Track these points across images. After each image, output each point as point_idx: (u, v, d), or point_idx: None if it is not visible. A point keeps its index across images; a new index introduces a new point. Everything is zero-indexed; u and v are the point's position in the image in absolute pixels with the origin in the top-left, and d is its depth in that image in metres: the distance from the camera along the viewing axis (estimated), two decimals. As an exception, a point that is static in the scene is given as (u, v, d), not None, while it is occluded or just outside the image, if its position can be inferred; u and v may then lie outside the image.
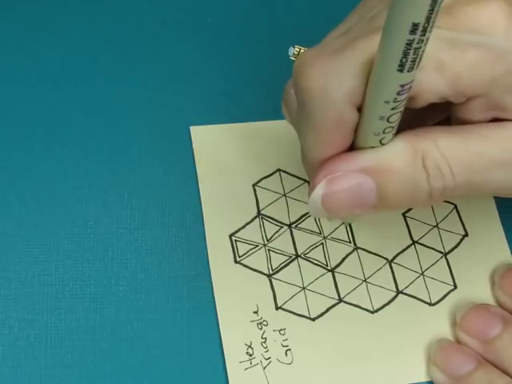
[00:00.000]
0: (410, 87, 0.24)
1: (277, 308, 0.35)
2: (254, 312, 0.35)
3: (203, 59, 0.41)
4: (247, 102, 0.39)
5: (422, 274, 0.37)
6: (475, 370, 0.33)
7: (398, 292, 0.36)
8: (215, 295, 0.35)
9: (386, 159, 0.27)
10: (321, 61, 0.26)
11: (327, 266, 0.36)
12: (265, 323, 0.35)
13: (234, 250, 0.36)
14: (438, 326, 0.35)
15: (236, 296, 0.35)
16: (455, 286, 0.37)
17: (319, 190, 0.27)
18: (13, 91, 0.39)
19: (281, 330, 0.35)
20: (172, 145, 0.39)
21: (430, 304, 0.36)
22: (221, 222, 0.37)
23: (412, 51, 0.22)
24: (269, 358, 0.34)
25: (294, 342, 0.34)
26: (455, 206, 0.38)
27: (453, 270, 0.37)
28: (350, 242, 0.37)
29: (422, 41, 0.22)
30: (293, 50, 0.37)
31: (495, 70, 0.26)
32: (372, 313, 0.36)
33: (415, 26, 0.21)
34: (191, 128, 0.39)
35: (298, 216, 0.37)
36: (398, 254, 0.37)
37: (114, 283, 0.35)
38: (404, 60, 0.23)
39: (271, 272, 0.36)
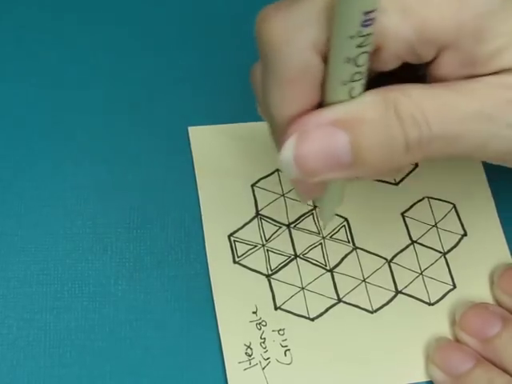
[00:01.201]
0: (374, 19, 0.23)
1: (276, 308, 0.35)
2: (253, 312, 0.35)
3: (203, 59, 0.41)
4: (246, 102, 0.39)
5: (421, 273, 0.37)
6: (474, 368, 0.33)
7: (397, 292, 0.36)
8: (214, 296, 0.35)
9: (357, 110, 0.25)
10: (282, 9, 0.25)
11: (326, 266, 0.36)
12: (264, 323, 0.35)
13: (233, 250, 0.36)
14: (437, 326, 0.35)
15: (235, 296, 0.35)
16: (454, 286, 0.37)
17: (289, 145, 0.26)
18: (13, 91, 0.39)
19: (280, 330, 0.35)
20: (171, 145, 0.39)
21: (429, 304, 0.36)
22: (219, 223, 0.37)
23: None
24: (268, 358, 0.34)
25: (293, 343, 0.34)
26: (454, 206, 0.38)
27: (452, 270, 0.37)
28: (348, 242, 0.37)
29: None
30: None
31: (462, 14, 0.25)
32: (371, 313, 0.36)
33: None
34: (189, 129, 0.39)
35: (297, 216, 0.37)
36: (397, 254, 0.37)
37: (112, 283, 0.35)
38: None
39: (270, 272, 0.36)
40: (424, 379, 0.34)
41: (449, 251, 0.37)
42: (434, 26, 0.25)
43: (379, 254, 0.37)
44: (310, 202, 0.37)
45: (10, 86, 0.39)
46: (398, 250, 0.37)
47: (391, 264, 0.37)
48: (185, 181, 0.38)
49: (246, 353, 0.34)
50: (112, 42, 0.41)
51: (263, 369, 0.34)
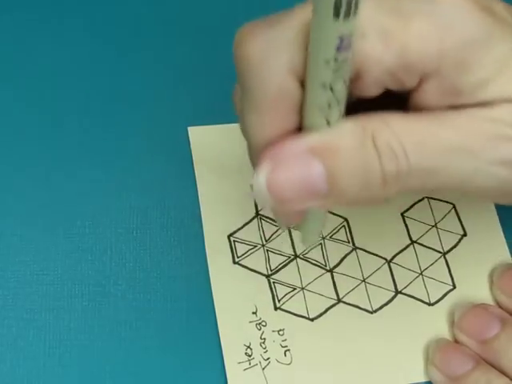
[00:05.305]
0: (350, 44, 0.23)
1: (276, 308, 0.35)
2: (253, 313, 0.35)
3: (202, 59, 0.41)
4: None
5: (421, 273, 0.37)
6: (473, 369, 0.33)
7: (397, 292, 0.36)
8: (214, 296, 0.35)
9: (333, 138, 0.24)
10: (259, 30, 0.25)
11: (326, 266, 0.36)
12: (264, 324, 0.35)
13: (233, 250, 0.36)
14: (436, 326, 0.35)
15: (235, 297, 0.35)
16: (454, 286, 0.37)
17: (262, 172, 0.25)
18: (12, 91, 0.39)
19: (280, 330, 0.35)
20: (171, 145, 0.39)
21: (429, 304, 0.36)
22: (219, 223, 0.37)
23: None
24: (268, 358, 0.34)
25: (292, 343, 0.34)
26: (454, 206, 0.38)
27: (451, 270, 0.37)
28: (348, 242, 0.37)
29: None
30: None
31: (444, 42, 0.24)
32: (371, 313, 0.36)
33: None
34: (189, 129, 0.39)
35: (297, 216, 0.37)
36: (397, 254, 0.37)
37: (112, 283, 0.35)
38: (338, 2, 0.21)
39: (270, 272, 0.36)
40: (423, 379, 0.34)
41: (449, 251, 0.37)
42: (415, 53, 0.24)
43: (379, 254, 0.37)
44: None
45: (9, 86, 0.39)
46: (398, 250, 0.37)
47: (391, 264, 0.37)
48: (184, 181, 0.38)
49: (245, 353, 0.34)
50: (112, 42, 0.41)
51: (263, 369, 0.34)
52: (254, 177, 0.25)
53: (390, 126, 0.25)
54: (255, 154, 0.26)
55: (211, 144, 0.39)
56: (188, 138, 0.39)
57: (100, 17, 0.42)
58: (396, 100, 0.26)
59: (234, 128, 0.39)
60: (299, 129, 0.26)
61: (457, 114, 0.25)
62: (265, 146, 0.25)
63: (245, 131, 0.27)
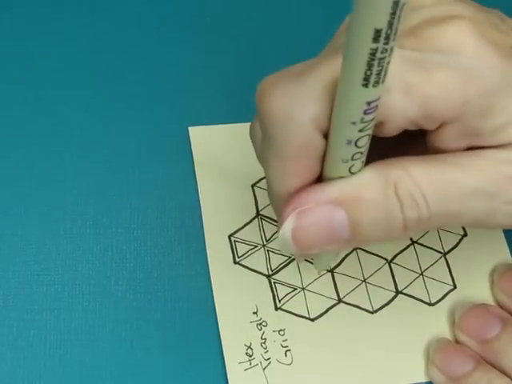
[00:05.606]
0: (377, 106, 0.23)
1: (276, 308, 0.35)
2: (254, 313, 0.35)
3: (203, 59, 0.41)
4: (247, 102, 0.39)
5: (422, 274, 0.37)
6: (474, 370, 0.33)
7: (398, 292, 0.36)
8: (214, 296, 0.35)
9: (356, 189, 0.25)
10: (283, 84, 0.25)
11: (326, 266, 0.36)
12: (264, 324, 0.35)
13: (234, 250, 0.36)
14: (437, 326, 0.35)
15: (235, 297, 0.35)
16: (454, 286, 0.37)
17: (288, 224, 0.26)
18: (13, 91, 0.39)
19: (280, 330, 0.35)
20: (171, 145, 0.39)
21: (430, 304, 0.36)
22: (220, 223, 0.37)
23: (376, 62, 0.21)
24: (268, 358, 0.34)
25: (293, 343, 0.34)
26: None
27: (452, 270, 0.37)
28: (349, 242, 0.37)
29: (386, 50, 0.21)
30: None
31: (467, 91, 0.25)
32: (371, 313, 0.36)
33: (378, 33, 0.20)
34: (190, 129, 0.39)
35: (298, 216, 0.37)
36: (398, 254, 0.37)
37: (113, 283, 0.35)
38: (368, 73, 0.22)
39: (270, 272, 0.36)
40: (424, 380, 0.34)
41: (449, 251, 0.37)
42: (437, 104, 0.25)
43: (379, 254, 0.37)
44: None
45: (9, 86, 0.39)
46: (399, 250, 0.37)
47: (391, 264, 0.37)
48: (185, 181, 0.38)
49: (246, 353, 0.34)
50: (112, 42, 0.41)
51: (264, 369, 0.34)
52: (279, 227, 0.27)
53: (411, 175, 0.25)
54: (276, 200, 0.27)
55: (212, 144, 0.39)
56: (188, 137, 0.39)
57: (100, 16, 0.42)
58: (412, 132, 0.27)
59: (234, 128, 0.39)
60: (321, 175, 0.27)
61: (475, 156, 0.26)
62: (286, 193, 0.26)
63: (267, 176, 0.28)
